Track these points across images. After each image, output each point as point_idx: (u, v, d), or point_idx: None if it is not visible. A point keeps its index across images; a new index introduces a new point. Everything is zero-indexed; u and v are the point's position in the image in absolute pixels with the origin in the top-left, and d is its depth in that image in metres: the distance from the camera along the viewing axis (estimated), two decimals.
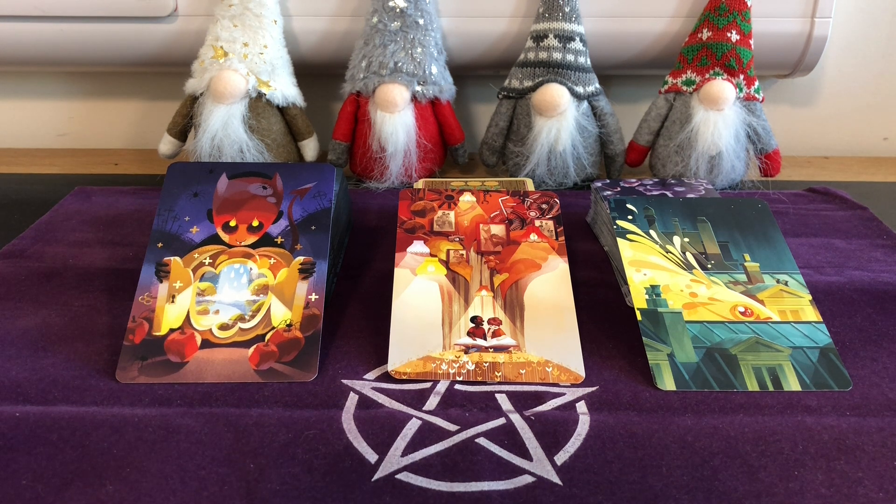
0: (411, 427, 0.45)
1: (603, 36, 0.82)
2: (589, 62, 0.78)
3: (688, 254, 0.57)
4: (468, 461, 0.42)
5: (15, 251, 0.65)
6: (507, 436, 0.44)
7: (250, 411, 0.46)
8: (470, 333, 0.52)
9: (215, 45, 0.76)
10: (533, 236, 0.59)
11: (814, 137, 0.97)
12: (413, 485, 0.41)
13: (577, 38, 0.77)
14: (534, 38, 0.77)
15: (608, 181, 0.71)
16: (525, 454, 0.43)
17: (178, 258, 0.55)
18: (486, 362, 0.50)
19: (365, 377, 0.50)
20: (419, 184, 0.71)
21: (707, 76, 0.76)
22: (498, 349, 0.51)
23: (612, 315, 0.56)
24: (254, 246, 0.56)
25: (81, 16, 0.82)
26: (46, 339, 0.53)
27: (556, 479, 0.41)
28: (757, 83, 0.78)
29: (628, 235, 0.58)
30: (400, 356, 0.50)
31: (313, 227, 0.57)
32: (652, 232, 0.59)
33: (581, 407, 0.47)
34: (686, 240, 0.58)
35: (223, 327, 0.52)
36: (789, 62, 0.85)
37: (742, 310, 0.53)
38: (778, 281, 0.55)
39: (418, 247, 0.58)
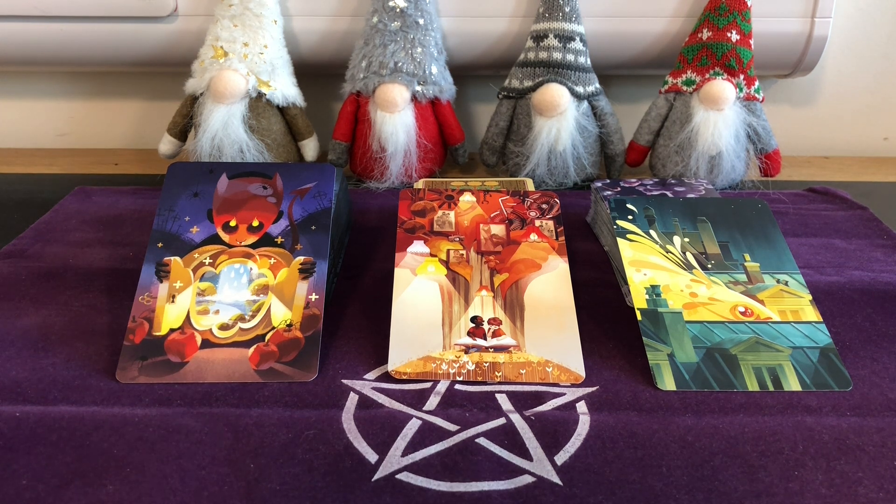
0: (411, 427, 0.45)
1: (603, 36, 0.82)
2: (589, 62, 0.78)
3: (688, 254, 0.57)
4: (468, 461, 0.42)
5: (15, 251, 0.65)
6: (508, 436, 0.44)
7: (250, 411, 0.46)
8: (470, 333, 0.52)
9: (215, 45, 0.76)
10: (533, 236, 0.59)
11: (814, 137, 0.97)
12: (413, 485, 0.41)
13: (577, 38, 0.77)
14: (534, 38, 0.77)
15: (608, 181, 0.71)
16: (525, 454, 0.43)
17: (178, 258, 0.55)
18: (486, 362, 0.50)
19: (365, 377, 0.50)
20: (419, 184, 0.71)
21: (707, 76, 0.76)
22: (498, 349, 0.51)
23: (612, 315, 0.56)
24: (254, 246, 0.56)
25: (81, 16, 0.82)
26: (46, 339, 0.53)
27: (556, 479, 0.41)
28: (757, 83, 0.78)
29: (628, 235, 0.58)
30: (400, 356, 0.50)
31: (313, 227, 0.57)
32: (652, 232, 0.59)
33: (581, 407, 0.47)
34: (686, 240, 0.58)
35: (223, 327, 0.52)
36: (789, 62, 0.85)
37: (742, 310, 0.53)
38: (778, 281, 0.55)
39: (418, 247, 0.58)
